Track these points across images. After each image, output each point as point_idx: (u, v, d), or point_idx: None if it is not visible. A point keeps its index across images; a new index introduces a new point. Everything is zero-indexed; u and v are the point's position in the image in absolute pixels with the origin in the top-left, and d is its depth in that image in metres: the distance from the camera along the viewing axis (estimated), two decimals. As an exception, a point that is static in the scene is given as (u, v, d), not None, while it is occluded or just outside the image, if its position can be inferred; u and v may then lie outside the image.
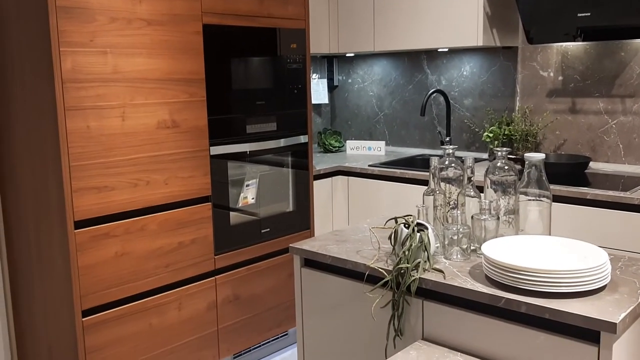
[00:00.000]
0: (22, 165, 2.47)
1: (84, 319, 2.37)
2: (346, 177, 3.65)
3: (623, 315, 1.39)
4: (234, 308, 2.94)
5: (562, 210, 2.75)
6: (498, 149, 1.86)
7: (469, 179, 1.89)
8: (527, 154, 1.81)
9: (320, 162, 3.76)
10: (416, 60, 3.98)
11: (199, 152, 2.70)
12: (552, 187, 2.68)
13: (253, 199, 3.00)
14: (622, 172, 3.05)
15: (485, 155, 3.65)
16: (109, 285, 2.44)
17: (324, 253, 1.93)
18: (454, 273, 1.70)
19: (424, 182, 3.26)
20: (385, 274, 1.75)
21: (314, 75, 4.30)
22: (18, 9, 2.31)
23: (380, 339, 1.83)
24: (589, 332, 1.42)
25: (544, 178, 1.80)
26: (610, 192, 2.63)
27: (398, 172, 3.39)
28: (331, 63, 4.40)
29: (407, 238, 1.72)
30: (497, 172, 1.85)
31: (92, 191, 2.35)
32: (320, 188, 3.54)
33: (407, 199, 3.37)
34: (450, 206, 1.91)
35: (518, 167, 2.01)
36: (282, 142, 3.09)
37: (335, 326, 1.95)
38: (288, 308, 3.21)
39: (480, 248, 1.78)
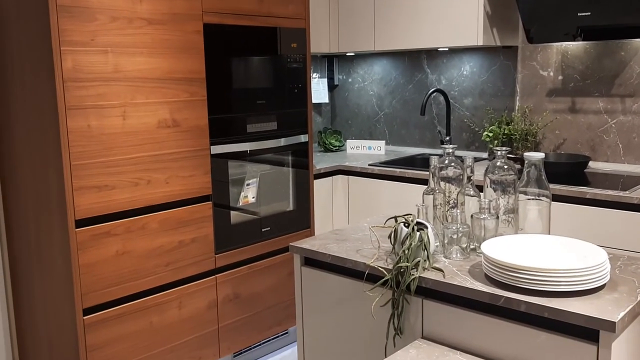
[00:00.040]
0: (22, 164, 2.48)
1: (84, 318, 2.37)
2: (346, 176, 3.66)
3: (622, 314, 1.39)
4: (235, 307, 2.94)
5: (562, 210, 2.75)
6: (498, 148, 1.87)
7: (469, 178, 1.89)
8: (526, 154, 1.81)
9: (320, 161, 3.76)
10: (416, 60, 3.98)
11: (199, 151, 2.71)
12: (551, 186, 2.69)
13: (253, 198, 3.01)
14: (622, 172, 3.06)
15: (485, 155, 3.66)
16: (110, 284, 2.44)
17: (324, 252, 1.93)
18: (454, 272, 1.70)
19: (424, 182, 3.27)
20: (385, 272, 1.75)
21: (314, 75, 4.30)
22: (18, 8, 2.32)
23: (380, 338, 1.84)
24: (588, 331, 1.43)
25: (543, 177, 1.80)
26: (610, 192, 2.63)
27: (398, 171, 3.39)
28: (331, 62, 4.40)
29: (407, 237, 1.72)
30: (496, 172, 1.85)
31: (93, 190, 2.35)
32: (320, 187, 3.54)
33: (407, 198, 3.37)
34: (450, 205, 1.92)
35: (518, 166, 2.02)
36: (282, 142, 3.10)
37: (335, 325, 1.96)
38: (288, 307, 3.22)
39: (479, 247, 1.79)
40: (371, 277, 1.81)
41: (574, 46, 3.29)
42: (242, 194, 2.96)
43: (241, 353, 3.07)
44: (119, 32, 2.37)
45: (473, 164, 1.89)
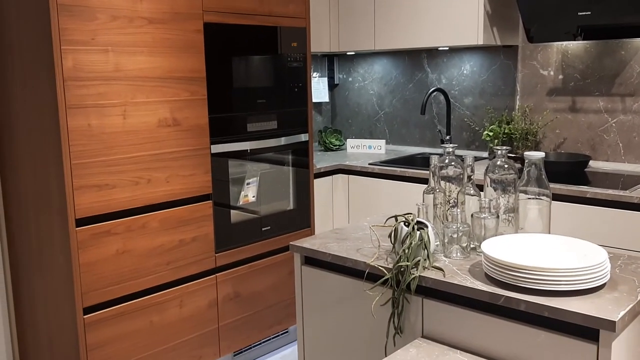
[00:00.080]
0: (23, 163, 2.48)
1: (85, 317, 2.37)
2: (346, 175, 3.66)
3: (622, 313, 1.40)
4: (235, 306, 2.95)
5: (562, 209, 2.76)
6: (498, 147, 1.87)
7: (469, 177, 1.89)
8: (527, 153, 1.82)
9: (320, 160, 3.76)
10: (416, 59, 3.98)
11: (200, 150, 2.71)
12: (551, 185, 2.69)
13: (254, 197, 3.01)
14: (622, 171, 3.06)
15: (485, 154, 3.66)
16: (110, 283, 2.44)
17: (324, 251, 1.93)
18: (454, 271, 1.70)
19: (424, 181, 3.27)
20: (385, 272, 1.75)
21: (314, 74, 4.30)
22: (18, 7, 2.32)
23: (380, 337, 1.84)
24: (588, 330, 1.43)
25: (543, 177, 1.80)
26: (610, 191, 2.63)
27: (398, 170, 3.39)
28: (332, 61, 4.40)
29: (407, 236, 1.72)
30: (497, 171, 1.85)
31: (93, 189, 2.35)
32: (320, 186, 3.54)
33: (407, 197, 3.37)
34: (450, 204, 1.92)
35: (518, 165, 2.02)
36: (282, 141, 3.10)
37: (336, 324, 1.96)
38: (288, 306, 3.22)
39: (479, 246, 1.79)
40: (371, 276, 1.81)
41: (574, 45, 3.29)
42: (243, 193, 2.96)
43: (241, 352, 3.07)
44: (119, 31, 2.37)
45: (473, 163, 1.89)
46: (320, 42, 3.87)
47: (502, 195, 1.85)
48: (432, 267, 1.73)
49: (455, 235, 1.79)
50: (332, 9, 3.90)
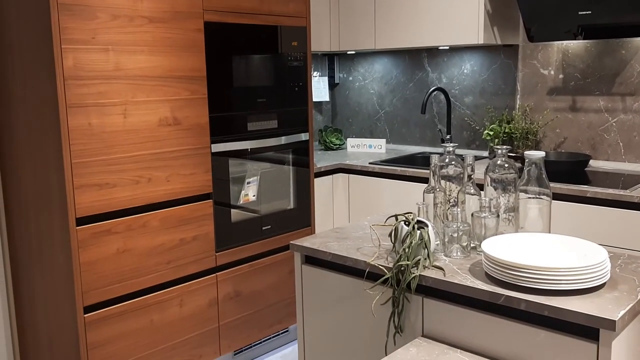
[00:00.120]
0: (23, 163, 2.48)
1: (85, 315, 2.38)
2: (347, 174, 3.66)
3: (622, 312, 1.40)
4: (235, 305, 2.95)
5: (562, 208, 2.76)
6: (498, 146, 1.87)
7: (469, 176, 1.90)
8: (527, 152, 1.82)
9: (321, 159, 3.76)
10: (417, 58, 3.98)
11: (200, 150, 2.71)
12: (552, 185, 2.69)
13: (254, 196, 3.01)
14: (622, 170, 3.06)
15: (485, 153, 3.66)
16: (111, 282, 2.45)
17: (324, 250, 1.94)
18: (454, 270, 1.71)
19: (425, 180, 3.27)
20: (386, 271, 1.75)
21: (315, 73, 4.30)
22: (18, 7, 2.32)
23: (381, 336, 1.84)
24: (588, 330, 1.43)
25: (544, 176, 1.80)
26: (610, 190, 2.63)
27: (399, 169, 3.39)
28: (332, 61, 4.40)
29: (408, 235, 1.73)
30: (497, 170, 1.86)
31: (94, 188, 2.36)
32: (321, 185, 3.54)
33: (408, 197, 3.37)
34: (451, 204, 1.92)
35: (518, 165, 2.02)
36: (283, 140, 3.10)
37: (336, 323, 1.96)
38: (289, 305, 3.22)
39: (480, 245, 1.79)
40: (372, 275, 1.82)
41: (574, 45, 3.29)
42: (243, 192, 2.96)
43: (242, 351, 3.07)
44: (119, 30, 2.37)
45: (473, 162, 1.89)
46: (320, 41, 3.87)
47: (503, 195, 1.85)
48: (433, 266, 1.73)
49: (455, 235, 1.79)
50: (333, 8, 3.90)
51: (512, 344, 1.55)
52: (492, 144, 3.51)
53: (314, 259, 2.02)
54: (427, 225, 1.75)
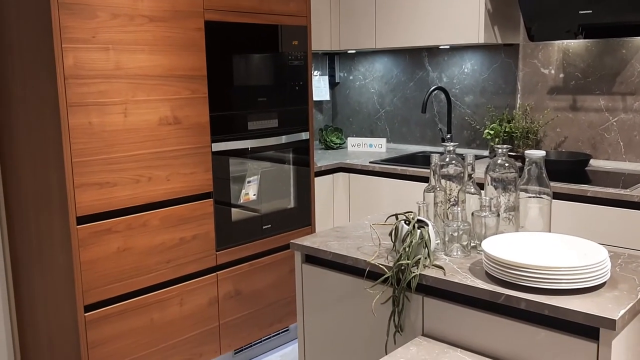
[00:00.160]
0: (24, 162, 2.48)
1: (85, 314, 2.38)
2: (347, 173, 3.66)
3: (622, 312, 1.40)
4: (235, 304, 2.95)
5: (563, 208, 2.76)
6: (499, 146, 1.87)
7: (470, 176, 1.90)
8: (527, 151, 1.82)
9: (321, 158, 3.76)
10: (417, 58, 3.98)
11: (200, 149, 2.71)
12: (552, 184, 2.69)
13: (254, 195, 3.01)
14: (623, 170, 3.06)
15: (485, 153, 3.66)
16: (111, 281, 2.45)
17: (324, 249, 1.94)
18: (454, 269, 1.71)
19: (425, 179, 3.27)
20: (386, 270, 1.76)
21: (315, 72, 4.30)
22: (19, 6, 2.32)
23: (381, 335, 1.84)
24: (588, 329, 1.43)
25: (544, 175, 1.80)
26: (611, 190, 2.63)
27: (399, 169, 3.39)
28: (332, 60, 4.40)
29: (408, 235, 1.73)
30: (497, 169, 1.86)
31: (94, 187, 2.36)
32: (321, 185, 3.54)
33: (408, 196, 3.37)
34: (451, 203, 1.92)
35: (518, 164, 2.02)
36: (283, 139, 3.10)
37: (336, 322, 1.96)
38: (289, 304, 3.23)
39: (480, 245, 1.79)
40: (372, 274, 1.82)
41: (575, 44, 3.29)
42: (243, 191, 2.96)
43: (242, 350, 3.07)
44: (120, 29, 2.37)
45: (474, 161, 1.89)
46: (321, 40, 3.87)
47: (503, 194, 1.85)
48: (433, 265, 1.73)
49: (455, 234, 1.79)
50: (333, 7, 3.90)
51: (512, 343, 1.55)
52: (492, 143, 3.51)
53: (314, 258, 2.02)
54: (427, 225, 1.75)
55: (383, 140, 4.01)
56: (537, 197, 1.80)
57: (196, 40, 2.64)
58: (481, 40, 3.24)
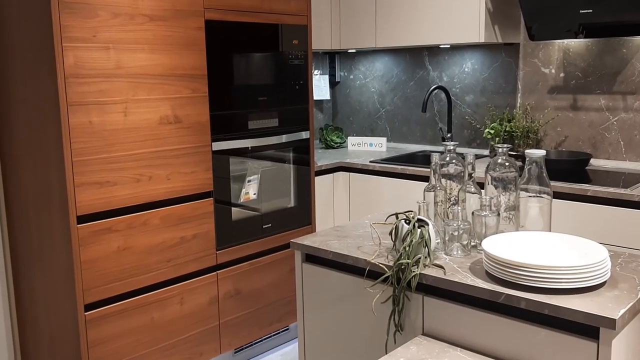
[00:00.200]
0: (24, 161, 2.48)
1: (86, 313, 2.38)
2: (347, 173, 3.66)
3: (622, 311, 1.40)
4: (236, 303, 2.95)
5: (563, 207, 2.76)
6: (499, 145, 1.87)
7: (470, 175, 1.90)
8: (527, 151, 1.82)
9: (321, 158, 3.76)
10: (418, 57, 3.98)
11: (201, 148, 2.71)
12: (552, 183, 2.69)
13: (255, 194, 3.01)
14: (623, 169, 3.06)
15: (486, 152, 3.66)
16: (111, 280, 2.45)
17: (325, 248, 1.94)
18: (454, 269, 1.71)
19: (425, 178, 3.27)
20: (386, 269, 1.76)
21: (315, 71, 4.30)
22: (19, 5, 2.32)
23: (381, 334, 1.84)
24: (588, 328, 1.43)
25: (544, 174, 1.80)
26: (611, 189, 2.63)
27: (399, 168, 3.39)
28: (333, 59, 4.40)
29: (408, 234, 1.73)
30: (497, 169, 1.86)
31: (95, 186, 2.36)
32: (321, 184, 3.54)
33: (408, 195, 3.37)
34: (451, 202, 1.92)
35: (519, 163, 2.02)
36: (283, 138, 3.10)
37: (336, 321, 1.96)
38: (289, 303, 3.23)
39: (480, 244, 1.79)
40: (372, 273, 1.82)
41: (575, 43, 3.29)
42: (244, 190, 2.96)
43: (242, 349, 3.08)
44: (120, 29, 2.37)
45: (474, 161, 1.89)
46: (321, 39, 3.87)
47: (503, 193, 1.85)
48: (433, 264, 1.73)
49: (456, 233, 1.79)
50: (334, 6, 3.89)
51: (512, 342, 1.55)
52: (492, 143, 3.51)
53: (314, 257, 2.02)
54: (427, 224, 1.75)
55: (383, 140, 4.01)
56: (538, 196, 1.80)
57: (196, 40, 2.64)
58: (482, 39, 3.24)
